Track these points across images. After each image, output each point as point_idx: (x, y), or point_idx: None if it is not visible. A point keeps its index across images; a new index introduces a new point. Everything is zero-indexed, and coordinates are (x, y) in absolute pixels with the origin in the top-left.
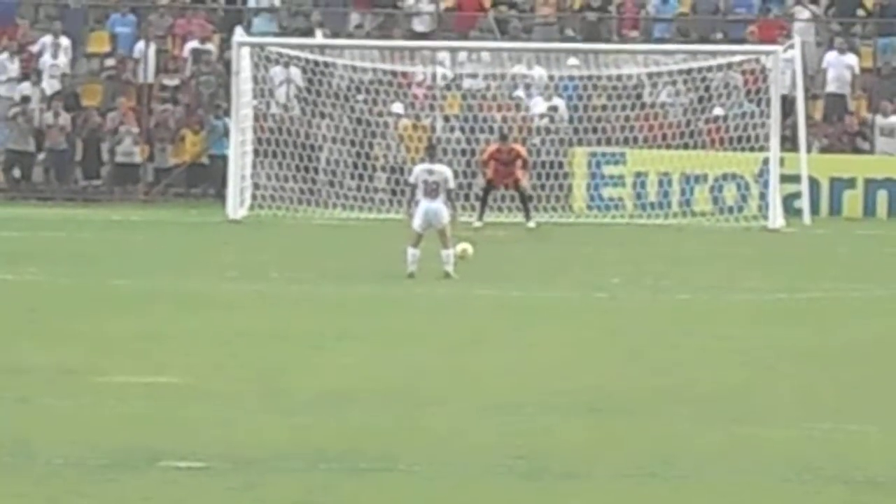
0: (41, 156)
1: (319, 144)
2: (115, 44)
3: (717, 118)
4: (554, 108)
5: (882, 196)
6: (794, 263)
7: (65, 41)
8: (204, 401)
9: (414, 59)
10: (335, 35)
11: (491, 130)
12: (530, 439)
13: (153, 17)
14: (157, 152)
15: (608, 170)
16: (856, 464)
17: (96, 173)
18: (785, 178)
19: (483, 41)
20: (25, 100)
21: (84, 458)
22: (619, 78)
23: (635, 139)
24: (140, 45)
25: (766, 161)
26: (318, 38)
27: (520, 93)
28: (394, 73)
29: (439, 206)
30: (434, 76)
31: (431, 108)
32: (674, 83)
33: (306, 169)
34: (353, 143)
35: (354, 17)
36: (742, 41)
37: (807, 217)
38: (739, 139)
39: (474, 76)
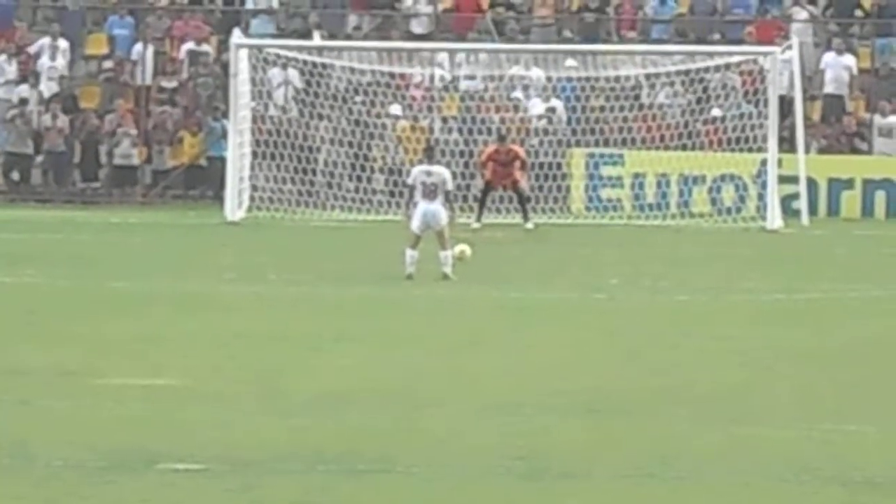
0: (39, 158)
1: (318, 146)
2: (113, 46)
3: (715, 119)
4: (552, 110)
5: (880, 196)
6: (793, 264)
7: (63, 43)
8: (202, 403)
9: (412, 61)
10: (333, 37)
11: (489, 132)
12: (529, 440)
13: (151, 19)
14: (156, 154)
15: (606, 171)
16: (854, 464)
17: (94, 175)
18: (783, 179)
19: (481, 42)
20: (23, 102)
21: (83, 460)
22: (617, 79)
23: (633, 140)
24: (138, 47)
25: (764, 162)
26: (316, 39)
27: (518, 94)
28: (392, 75)
29: (438, 207)
30: (432, 78)
31: (429, 109)
32: (672, 84)
33: (304, 170)
34: (351, 145)
35: (352, 19)
36: (740, 42)
37: (805, 218)
38: (737, 140)
39: (472, 77)
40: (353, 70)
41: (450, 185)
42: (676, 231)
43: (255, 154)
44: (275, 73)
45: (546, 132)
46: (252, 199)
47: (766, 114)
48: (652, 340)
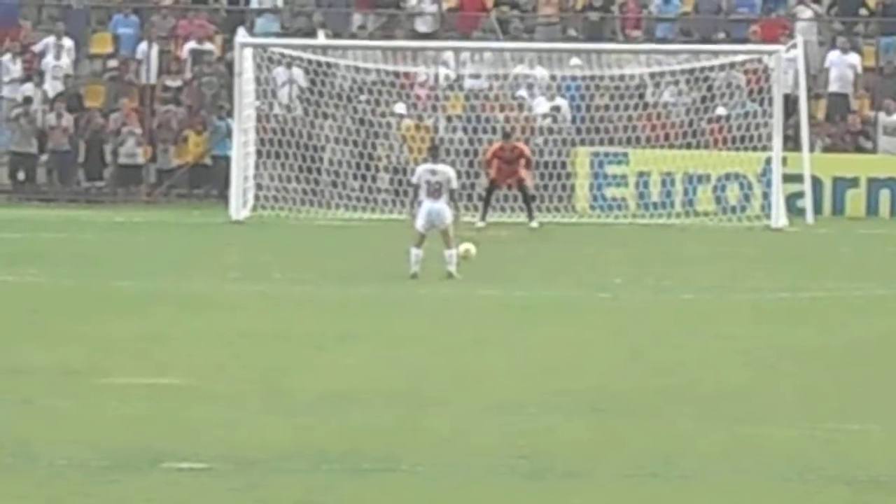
0: (44, 157)
1: (322, 145)
2: (118, 45)
3: (719, 118)
4: (556, 109)
5: (885, 195)
6: (797, 263)
7: (67, 42)
8: (206, 402)
9: (416, 60)
10: (338, 35)
11: (494, 131)
12: (533, 439)
13: (156, 18)
14: (160, 153)
15: (611, 170)
16: (858, 463)
17: (99, 174)
18: (788, 178)
19: (485, 41)
20: (28, 101)
21: (86, 460)
22: (621, 78)
23: (638, 139)
24: (143, 45)
25: (768, 161)
26: (321, 38)
27: (522, 93)
28: (396, 74)
29: (442, 206)
30: (437, 76)
31: (434, 108)
32: (676, 83)
33: (309, 170)
34: (355, 144)
35: (357, 18)
36: (745, 41)
37: (810, 216)
38: (742, 139)
39: (477, 76)
40: (357, 69)
41: (454, 184)
42: (681, 230)
43: (259, 153)
44: (279, 72)
45: (551, 131)
46: (257, 198)
47: (770, 112)
48: (656, 339)
